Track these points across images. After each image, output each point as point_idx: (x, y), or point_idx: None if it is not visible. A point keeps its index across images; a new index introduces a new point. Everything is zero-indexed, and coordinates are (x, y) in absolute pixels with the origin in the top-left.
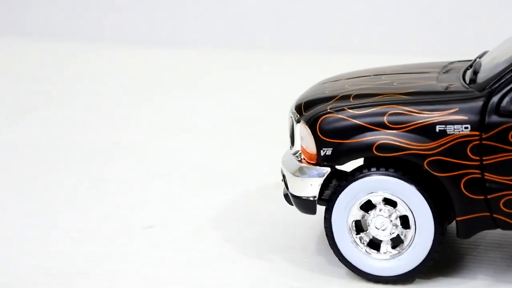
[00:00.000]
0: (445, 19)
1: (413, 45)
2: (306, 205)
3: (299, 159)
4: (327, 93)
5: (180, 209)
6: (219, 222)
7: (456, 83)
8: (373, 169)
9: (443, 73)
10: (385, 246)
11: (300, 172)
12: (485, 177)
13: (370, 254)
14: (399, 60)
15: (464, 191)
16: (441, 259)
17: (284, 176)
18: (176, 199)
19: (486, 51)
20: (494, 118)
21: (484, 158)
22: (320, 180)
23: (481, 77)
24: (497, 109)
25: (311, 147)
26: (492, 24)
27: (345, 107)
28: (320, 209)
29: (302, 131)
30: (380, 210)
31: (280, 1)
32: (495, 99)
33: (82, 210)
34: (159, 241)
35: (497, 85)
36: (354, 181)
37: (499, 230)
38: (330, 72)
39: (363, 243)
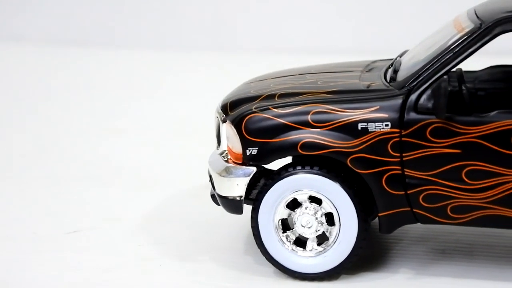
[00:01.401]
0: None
1: (346, 44)
2: (232, 205)
3: (226, 159)
4: (253, 92)
5: (109, 211)
6: (148, 224)
7: (377, 82)
8: (299, 167)
9: (366, 72)
10: (311, 244)
11: (227, 172)
12: (405, 173)
13: (296, 252)
14: (332, 59)
15: (385, 187)
16: (367, 255)
17: (210, 177)
18: (105, 201)
19: (407, 50)
20: (413, 115)
21: (404, 154)
22: (246, 180)
23: (401, 76)
24: (415, 107)
25: (237, 147)
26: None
27: (270, 107)
28: (248, 209)
29: (228, 131)
30: (306, 208)
31: (214, 2)
32: (413, 97)
33: (4, 214)
34: (85, 245)
35: (415, 83)
36: (280, 179)
37: (422, 225)
38: (264, 72)
39: (290, 241)
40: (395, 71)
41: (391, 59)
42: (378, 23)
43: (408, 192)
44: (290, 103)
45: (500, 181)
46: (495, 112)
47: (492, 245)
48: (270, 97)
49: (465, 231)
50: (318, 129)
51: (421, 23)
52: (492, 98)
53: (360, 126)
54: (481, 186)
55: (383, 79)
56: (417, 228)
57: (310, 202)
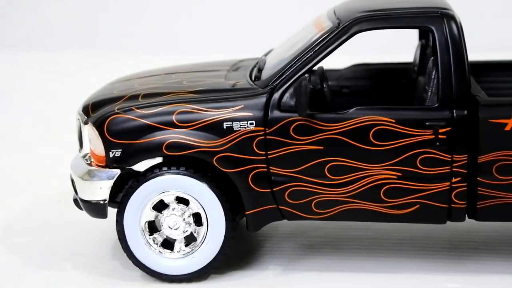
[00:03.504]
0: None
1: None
2: (96, 209)
3: (88, 162)
4: (116, 93)
5: None
6: (7, 232)
7: (242, 81)
8: (165, 168)
9: (233, 71)
10: (179, 245)
11: (89, 175)
12: (271, 170)
13: (163, 254)
14: (204, 58)
15: (252, 185)
16: (237, 253)
17: (72, 181)
18: None
19: (272, 48)
20: (276, 113)
21: (269, 152)
22: (110, 183)
23: (265, 75)
24: (279, 105)
25: (100, 149)
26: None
27: (133, 107)
28: (113, 212)
29: (90, 133)
30: (173, 209)
31: (77, 1)
32: (276, 95)
33: None
34: None
35: (277, 82)
36: (146, 181)
37: (292, 221)
38: (131, 72)
39: (157, 244)
40: (260, 70)
41: (258, 58)
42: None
43: (274, 189)
44: (154, 104)
45: (360, 175)
46: (354, 109)
47: (357, 238)
48: (134, 97)
49: (332, 225)
50: (183, 129)
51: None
52: (356, 95)
53: (225, 125)
54: (343, 181)
55: (248, 78)
56: (287, 224)
57: (177, 203)
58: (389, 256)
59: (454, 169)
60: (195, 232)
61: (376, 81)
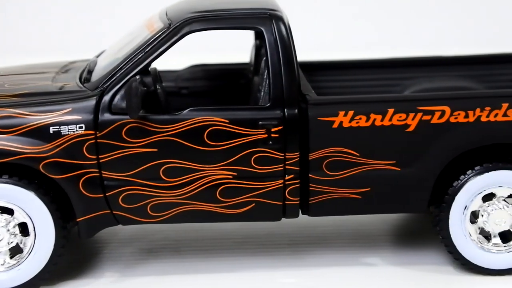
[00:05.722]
0: None
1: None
2: None
3: None
4: None
5: None
6: None
7: (71, 83)
8: None
9: (62, 73)
10: (3, 257)
11: None
12: (103, 175)
13: None
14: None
15: (82, 191)
16: (72, 262)
17: None
18: None
19: (105, 49)
20: (107, 116)
21: (100, 156)
22: None
23: (95, 76)
24: (110, 108)
25: None
26: None
27: None
28: None
29: None
30: None
31: None
32: (106, 98)
33: None
34: None
35: (108, 84)
36: None
37: (132, 225)
38: None
39: None
40: (90, 72)
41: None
42: None
43: (107, 194)
44: None
45: (196, 176)
46: (187, 110)
47: (199, 239)
48: None
49: (173, 228)
50: (5, 135)
51: None
52: (195, 96)
53: (52, 129)
54: (179, 183)
55: (78, 80)
56: (127, 229)
57: (1, 213)
58: (229, 255)
59: (287, 167)
60: (21, 243)
61: (215, 81)
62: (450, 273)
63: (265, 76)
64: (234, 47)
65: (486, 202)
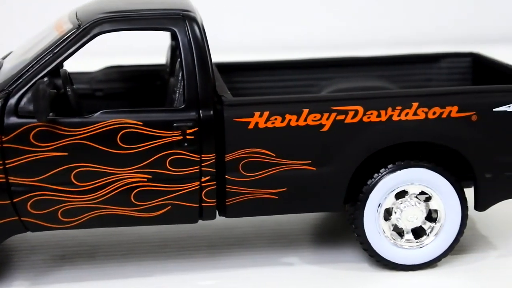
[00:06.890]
0: None
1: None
2: None
3: None
4: None
5: None
6: None
7: None
8: None
9: None
10: None
11: None
12: (10, 180)
13: None
14: None
15: None
16: None
17: None
18: None
19: (11, 51)
20: (13, 120)
21: (7, 161)
22: None
23: (0, 79)
24: (16, 111)
25: None
26: None
27: None
28: None
29: None
30: None
31: None
32: (12, 100)
33: None
34: None
35: (13, 86)
36: None
37: (46, 232)
38: None
39: None
40: None
41: None
42: None
43: (15, 200)
44: None
45: (109, 180)
46: (99, 112)
47: (115, 243)
48: None
49: (88, 233)
50: None
51: None
52: (110, 98)
53: None
54: (91, 187)
55: None
56: (38, 236)
57: None
58: (148, 259)
59: (203, 169)
60: None
61: (130, 83)
62: (366, 270)
63: (180, 78)
64: (153, 48)
65: (399, 199)
